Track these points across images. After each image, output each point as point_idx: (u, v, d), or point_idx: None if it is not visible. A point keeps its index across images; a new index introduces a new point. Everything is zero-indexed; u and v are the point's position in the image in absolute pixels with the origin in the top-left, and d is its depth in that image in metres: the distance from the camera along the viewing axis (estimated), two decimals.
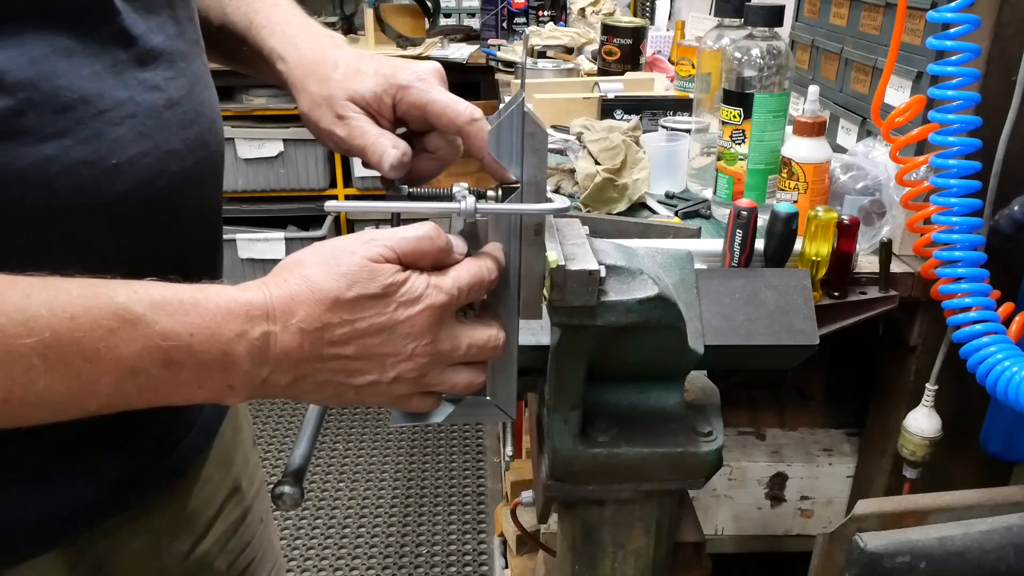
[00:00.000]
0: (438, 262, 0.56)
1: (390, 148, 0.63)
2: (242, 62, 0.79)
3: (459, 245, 0.58)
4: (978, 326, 0.82)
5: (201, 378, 0.50)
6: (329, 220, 3.39)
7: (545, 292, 0.59)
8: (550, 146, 1.38)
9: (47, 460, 0.60)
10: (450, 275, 0.55)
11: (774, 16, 1.18)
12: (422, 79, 0.65)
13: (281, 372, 0.52)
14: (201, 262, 0.69)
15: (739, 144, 1.20)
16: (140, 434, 0.66)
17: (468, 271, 0.56)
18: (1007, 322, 0.84)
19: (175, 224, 0.63)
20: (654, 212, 1.29)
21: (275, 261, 0.57)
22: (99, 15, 0.56)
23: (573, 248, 0.61)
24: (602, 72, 2.15)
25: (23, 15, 0.51)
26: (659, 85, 1.97)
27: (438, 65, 0.67)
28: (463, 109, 0.63)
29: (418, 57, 3.07)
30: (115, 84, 0.57)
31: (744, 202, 0.94)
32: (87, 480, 0.63)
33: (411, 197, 0.63)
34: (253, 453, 0.90)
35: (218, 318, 0.50)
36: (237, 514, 0.83)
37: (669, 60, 2.31)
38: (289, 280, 0.52)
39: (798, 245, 0.97)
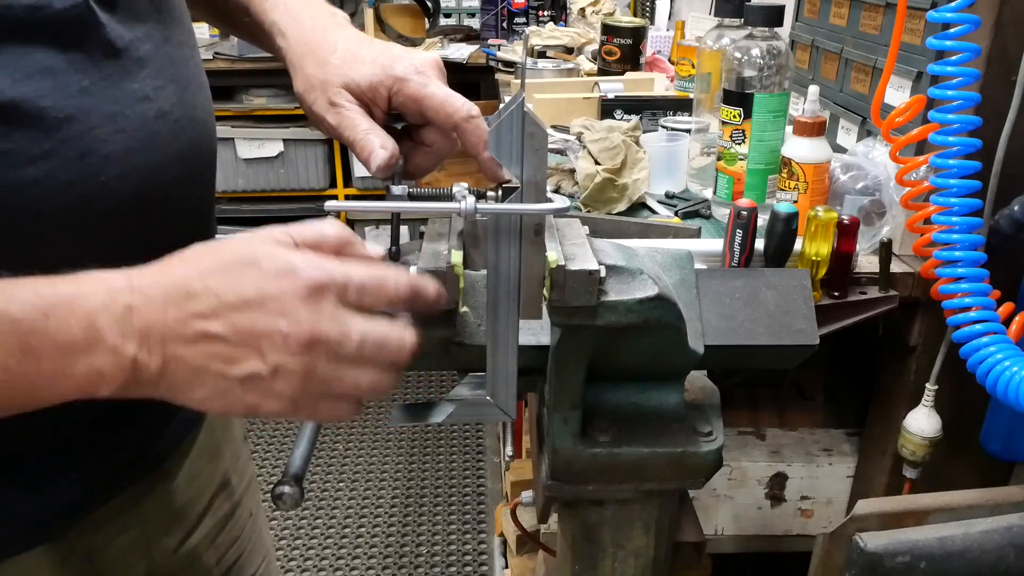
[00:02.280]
0: (339, 251, 0.53)
1: (378, 148, 0.62)
2: (246, 32, 0.77)
3: (374, 251, 0.56)
4: (978, 326, 0.82)
5: (64, 363, 0.47)
6: None
7: (545, 292, 0.59)
8: (550, 146, 1.38)
9: (30, 456, 0.60)
10: (340, 262, 0.52)
11: (774, 16, 1.18)
12: (420, 72, 0.63)
13: (149, 350, 0.48)
14: None
15: (739, 144, 1.20)
16: (123, 427, 0.66)
17: (368, 268, 0.52)
18: (1007, 322, 0.84)
19: (167, 230, 0.63)
20: (654, 212, 1.29)
21: None
22: (81, 29, 0.55)
23: (573, 248, 0.61)
24: (602, 72, 2.15)
25: (3, 35, 0.50)
26: (659, 85, 1.97)
27: (437, 57, 0.66)
28: (460, 105, 0.62)
29: None
30: (102, 99, 0.56)
31: (744, 202, 0.94)
32: (72, 474, 0.63)
33: (411, 197, 0.63)
34: (243, 448, 0.90)
35: (76, 295, 0.47)
36: (226, 508, 0.83)
37: (669, 60, 2.31)
38: (161, 261, 0.51)
39: (798, 245, 0.97)
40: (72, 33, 0.54)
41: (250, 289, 0.49)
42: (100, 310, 0.47)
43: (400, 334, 0.53)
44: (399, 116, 0.68)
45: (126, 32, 0.58)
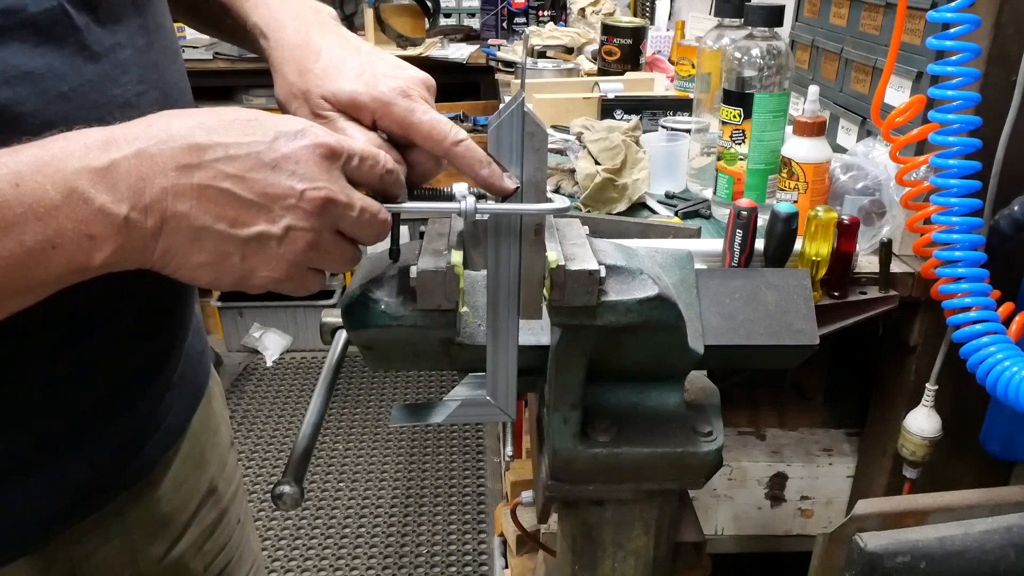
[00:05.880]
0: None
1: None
2: (229, 35, 0.75)
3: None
4: (978, 326, 0.82)
5: (49, 233, 0.43)
6: None
7: (545, 292, 0.59)
8: (550, 146, 1.38)
9: (12, 466, 0.59)
10: (338, 134, 0.52)
11: (774, 16, 1.18)
12: (407, 95, 0.59)
13: (145, 209, 0.45)
14: None
15: (739, 144, 1.20)
16: (105, 437, 0.65)
17: (360, 144, 0.53)
18: (1007, 322, 0.84)
19: None
20: (654, 212, 1.29)
21: None
22: (59, 33, 0.53)
23: (573, 248, 0.61)
24: (602, 72, 2.15)
25: None
26: (659, 85, 1.97)
27: (423, 76, 0.62)
28: (448, 131, 0.58)
29: (417, 57, 3.07)
30: (82, 105, 0.54)
31: (744, 202, 0.94)
32: (54, 485, 0.62)
33: (412, 197, 0.62)
34: (231, 455, 0.89)
35: (47, 159, 0.44)
36: (214, 516, 0.82)
37: (669, 60, 2.31)
38: (145, 117, 0.48)
39: (798, 245, 0.97)
40: (50, 36, 0.52)
41: (262, 146, 0.48)
42: (79, 169, 0.44)
43: (382, 208, 0.54)
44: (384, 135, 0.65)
45: (107, 36, 0.57)
